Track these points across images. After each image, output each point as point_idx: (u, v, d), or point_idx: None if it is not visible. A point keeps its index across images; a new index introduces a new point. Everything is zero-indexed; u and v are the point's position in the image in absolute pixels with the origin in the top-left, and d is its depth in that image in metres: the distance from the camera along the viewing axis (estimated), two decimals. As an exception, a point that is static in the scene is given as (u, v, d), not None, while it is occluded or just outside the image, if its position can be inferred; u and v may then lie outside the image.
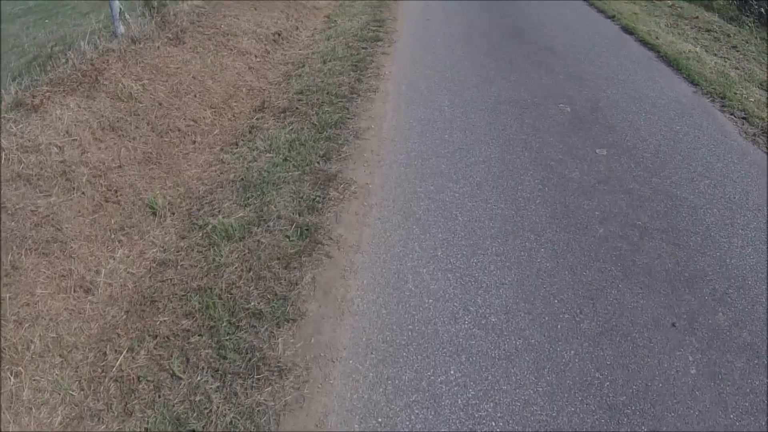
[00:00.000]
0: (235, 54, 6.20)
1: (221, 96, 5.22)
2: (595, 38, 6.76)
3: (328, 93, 5.09)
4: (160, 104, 4.65)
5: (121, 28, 5.65)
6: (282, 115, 4.76)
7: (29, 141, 3.56)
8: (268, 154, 4.09)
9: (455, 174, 3.72)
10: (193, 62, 5.61)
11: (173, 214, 3.71)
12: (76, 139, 3.72)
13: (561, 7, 8.45)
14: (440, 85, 5.26)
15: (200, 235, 3.41)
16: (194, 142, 4.47)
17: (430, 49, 6.48)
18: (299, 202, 3.44)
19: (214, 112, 4.98)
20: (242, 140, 4.42)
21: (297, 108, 4.83)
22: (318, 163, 3.84)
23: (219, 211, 3.57)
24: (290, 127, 4.48)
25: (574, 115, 4.60)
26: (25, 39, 7.89)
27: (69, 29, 7.23)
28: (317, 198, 3.47)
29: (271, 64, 6.38)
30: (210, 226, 3.41)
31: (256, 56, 6.39)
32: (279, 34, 7.17)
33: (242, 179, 3.81)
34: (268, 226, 3.27)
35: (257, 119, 4.81)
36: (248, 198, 3.60)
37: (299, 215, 3.33)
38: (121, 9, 5.65)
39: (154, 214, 3.67)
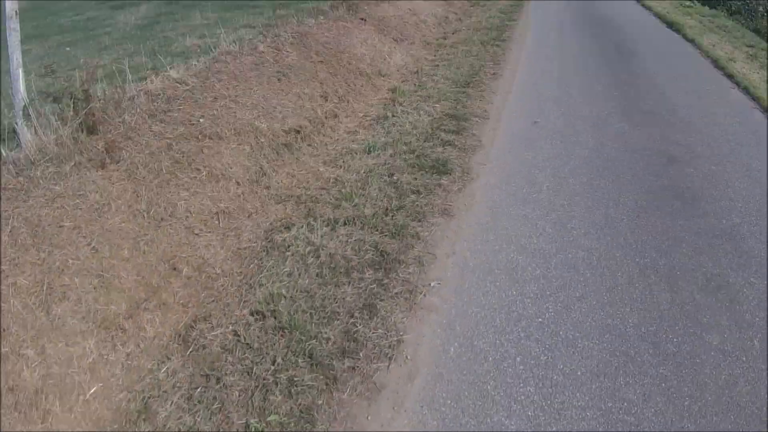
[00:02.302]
0: (204, 179, 3.89)
1: (132, 295, 2.91)
2: None
3: (296, 353, 2.54)
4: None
5: (28, 135, 3.50)
6: (194, 393, 2.32)
7: None
8: None
9: None
10: (113, 205, 3.37)
11: None
12: None
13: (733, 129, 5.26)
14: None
15: None
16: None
17: (532, 206, 3.71)
18: None
19: (103, 340, 2.69)
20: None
21: (221, 387, 2.35)
22: None
23: None
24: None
25: None
26: None
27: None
28: None
29: (260, 200, 3.97)
30: None
31: (239, 183, 4.02)
32: (297, 132, 4.75)
33: None
34: None
35: (164, 378, 2.44)
36: None
37: None
38: (25, 104, 3.50)
39: None
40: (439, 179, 3.98)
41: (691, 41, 8.79)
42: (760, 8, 12.66)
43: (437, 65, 7.02)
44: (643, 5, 12.43)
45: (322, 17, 7.40)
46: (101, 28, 11.03)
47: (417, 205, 3.68)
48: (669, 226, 3.53)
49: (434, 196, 3.77)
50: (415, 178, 3.99)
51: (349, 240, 3.36)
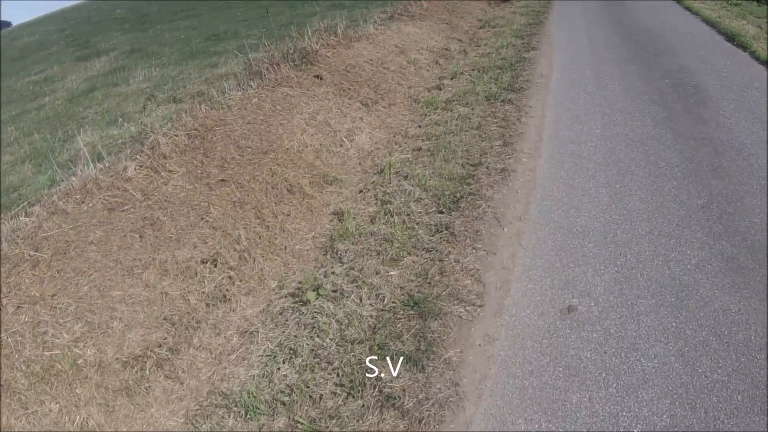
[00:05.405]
0: None
1: None
2: None
3: None
4: None
5: None
6: None
7: None
8: None
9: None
10: None
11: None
12: None
13: None
14: None
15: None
16: None
17: None
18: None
19: None
20: None
21: None
22: None
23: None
24: None
25: None
26: None
27: None
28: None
29: None
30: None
31: None
32: (145, 361, 2.65)
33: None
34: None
35: None
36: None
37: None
38: None
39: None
40: None
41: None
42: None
43: (420, 149, 4.79)
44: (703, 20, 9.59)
45: (254, 83, 5.26)
46: (41, 97, 9.29)
47: None
48: None
49: None
50: None
51: None
